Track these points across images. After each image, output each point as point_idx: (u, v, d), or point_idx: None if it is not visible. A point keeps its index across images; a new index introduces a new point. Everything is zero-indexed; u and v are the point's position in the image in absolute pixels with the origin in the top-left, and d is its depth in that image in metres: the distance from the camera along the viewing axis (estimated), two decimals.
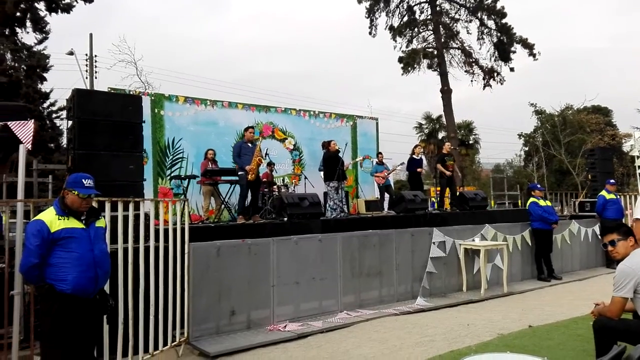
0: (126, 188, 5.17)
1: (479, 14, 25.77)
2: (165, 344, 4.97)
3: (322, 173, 10.28)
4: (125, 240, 4.55)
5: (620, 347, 2.54)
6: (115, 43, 25.02)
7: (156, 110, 10.16)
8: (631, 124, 35.75)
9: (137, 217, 4.74)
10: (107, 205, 4.39)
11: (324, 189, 10.00)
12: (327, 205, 9.48)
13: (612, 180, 10.82)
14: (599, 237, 7.30)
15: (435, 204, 12.45)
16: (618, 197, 10.60)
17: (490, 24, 25.84)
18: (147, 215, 4.96)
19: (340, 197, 9.58)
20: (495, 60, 26.23)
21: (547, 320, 6.01)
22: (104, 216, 4.08)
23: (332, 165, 9.51)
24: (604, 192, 10.43)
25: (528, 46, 25.16)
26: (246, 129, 8.70)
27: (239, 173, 8.41)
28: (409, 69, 25.73)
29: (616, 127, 31.36)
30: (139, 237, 4.73)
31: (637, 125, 32.17)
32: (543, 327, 5.68)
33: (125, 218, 4.56)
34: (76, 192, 3.38)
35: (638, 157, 11.53)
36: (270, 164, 10.83)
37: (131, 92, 10.37)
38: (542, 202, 9.21)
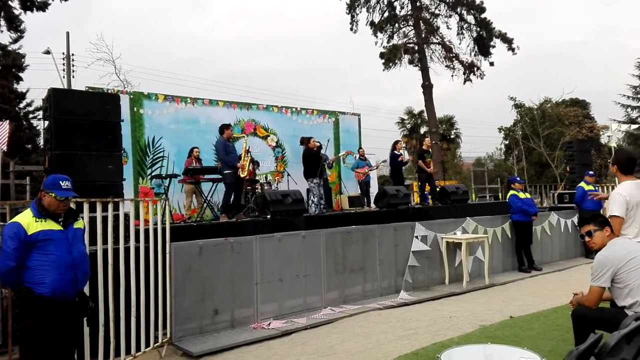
0: (105, 188, 5.10)
1: (458, 9, 25.97)
2: (147, 345, 4.93)
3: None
4: (105, 242, 4.50)
5: (597, 335, 2.60)
6: (93, 41, 24.63)
7: (135, 109, 10.03)
8: (609, 116, 36.48)
9: (116, 218, 4.69)
10: (86, 206, 4.34)
11: (307, 186, 10.00)
12: (310, 201, 9.48)
13: (590, 172, 11.03)
14: (578, 228, 7.44)
15: (417, 199, 12.54)
16: (596, 188, 10.78)
17: (470, 18, 26.07)
18: (126, 216, 4.90)
19: (321, 192, 9.60)
20: (475, 55, 26.49)
21: (528, 310, 6.11)
22: (83, 217, 4.02)
23: (313, 162, 9.51)
24: (582, 184, 10.61)
25: (507, 41, 25.45)
26: (226, 127, 8.50)
27: (225, 172, 8.28)
28: (391, 64, 25.84)
29: (594, 120, 31.94)
30: (118, 238, 4.68)
31: (615, 117, 32.91)
32: (524, 317, 5.77)
33: (105, 219, 4.51)
34: (53, 195, 3.33)
35: (615, 148, 11.76)
36: (254, 163, 10.78)
37: (109, 91, 10.22)
38: (521, 195, 9.33)
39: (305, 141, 9.96)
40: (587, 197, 10.35)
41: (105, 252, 4.49)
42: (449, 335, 5.16)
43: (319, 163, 9.48)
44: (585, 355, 2.33)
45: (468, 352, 3.06)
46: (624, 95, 35.43)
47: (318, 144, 9.77)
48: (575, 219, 10.59)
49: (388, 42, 26.35)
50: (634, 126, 31.66)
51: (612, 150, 11.95)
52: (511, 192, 9.42)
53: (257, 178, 10.83)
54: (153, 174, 10.09)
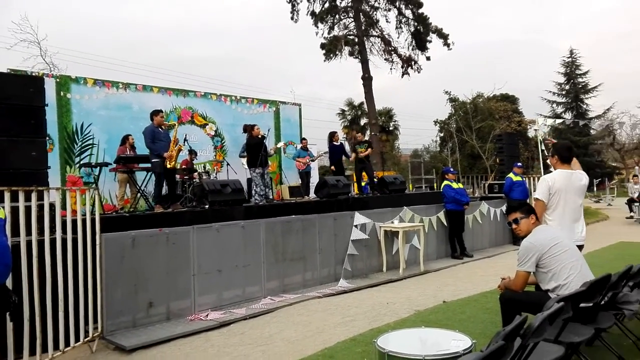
0: (28, 176, 4.81)
1: (397, 3, 26.37)
2: (77, 339, 4.70)
3: (243, 160, 10.09)
4: (29, 233, 4.23)
5: (522, 317, 2.73)
6: (16, 21, 22.96)
7: (62, 93, 9.47)
8: (536, 110, 38.57)
9: (41, 208, 4.42)
10: (7, 195, 4.05)
11: (247, 175, 9.84)
12: (253, 191, 9.36)
13: (518, 164, 11.64)
14: (505, 216, 7.84)
15: (357, 189, 12.69)
16: (524, 179, 11.40)
17: (408, 13, 26.53)
18: (52, 206, 4.63)
19: (265, 183, 9.50)
20: (412, 49, 27.04)
21: (460, 295, 6.37)
22: (4, 207, 3.75)
23: (255, 151, 9.37)
24: (511, 175, 11.18)
25: (443, 36, 26.16)
26: (156, 113, 8.07)
27: (153, 160, 7.97)
28: (331, 55, 25.91)
29: (522, 114, 33.62)
30: (43, 229, 4.41)
31: (541, 112, 34.84)
32: (456, 302, 6.01)
33: (28, 209, 4.24)
34: None
35: (541, 141, 12.47)
36: (192, 153, 10.48)
37: (33, 74, 9.59)
38: (454, 185, 9.70)
39: (248, 129, 9.75)
40: (515, 187, 10.95)
41: (29, 243, 4.22)
42: (386, 321, 5.29)
43: (259, 152, 9.35)
44: (512, 335, 2.44)
45: (403, 336, 3.13)
46: (550, 92, 37.67)
47: (262, 134, 9.61)
48: (504, 208, 11.13)
49: (329, 33, 26.37)
50: (558, 120, 33.74)
51: (539, 143, 12.70)
52: (445, 182, 9.76)
53: (194, 167, 10.56)
54: (82, 162, 9.59)
